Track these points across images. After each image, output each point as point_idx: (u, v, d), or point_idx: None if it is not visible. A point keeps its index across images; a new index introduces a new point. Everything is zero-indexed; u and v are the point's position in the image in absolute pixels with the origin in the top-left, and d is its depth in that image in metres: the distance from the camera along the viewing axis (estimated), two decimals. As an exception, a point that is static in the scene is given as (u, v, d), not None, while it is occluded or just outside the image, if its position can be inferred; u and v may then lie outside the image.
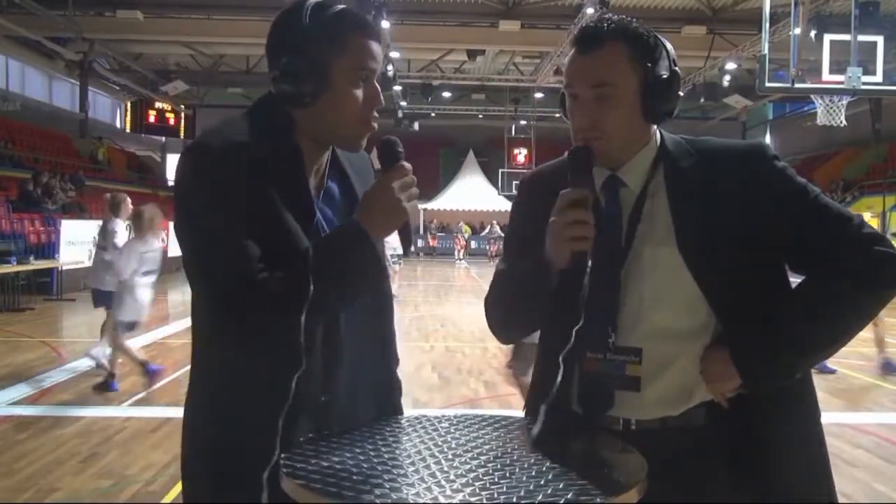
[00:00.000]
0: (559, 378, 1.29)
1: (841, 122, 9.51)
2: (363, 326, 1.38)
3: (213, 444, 1.28)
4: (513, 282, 1.41)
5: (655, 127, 1.40)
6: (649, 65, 1.31)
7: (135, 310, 5.66)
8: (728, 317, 1.32)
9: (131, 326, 5.73)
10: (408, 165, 1.26)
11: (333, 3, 1.30)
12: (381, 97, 1.34)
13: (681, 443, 1.33)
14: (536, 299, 1.34)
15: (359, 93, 1.30)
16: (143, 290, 5.71)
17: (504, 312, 1.46)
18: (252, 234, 1.19)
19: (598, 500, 1.00)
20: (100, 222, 7.94)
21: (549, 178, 1.48)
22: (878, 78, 7.26)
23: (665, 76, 1.32)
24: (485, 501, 1.00)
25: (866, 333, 9.65)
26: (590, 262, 1.28)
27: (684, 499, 1.30)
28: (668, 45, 1.35)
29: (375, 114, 1.33)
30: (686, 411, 1.35)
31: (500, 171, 27.74)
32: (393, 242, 12.63)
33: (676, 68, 1.34)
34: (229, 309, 1.21)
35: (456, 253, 25.67)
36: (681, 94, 1.35)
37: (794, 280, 1.38)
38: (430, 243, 27.77)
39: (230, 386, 1.27)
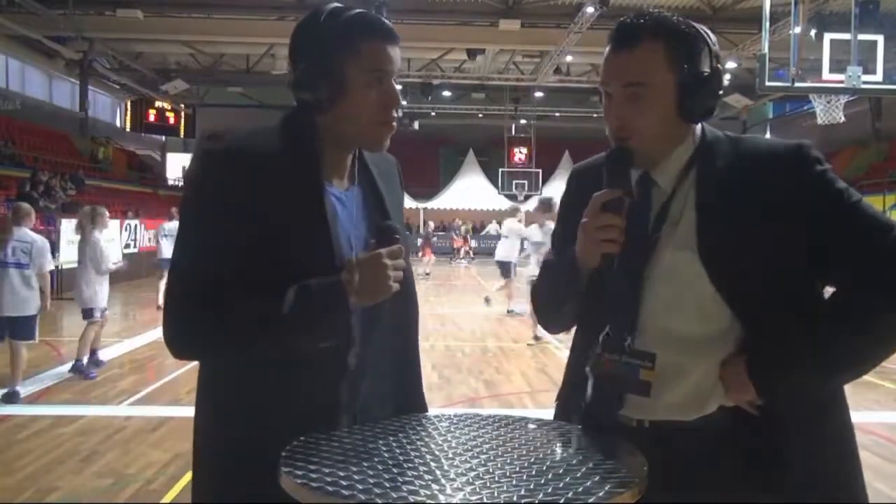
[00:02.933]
0: (590, 389, 1.31)
1: (840, 118, 9.49)
2: (387, 329, 1.40)
3: (246, 434, 1.28)
4: (550, 276, 1.44)
5: (697, 125, 1.35)
6: (687, 63, 1.26)
7: None
8: (753, 324, 1.26)
9: None
10: (402, 248, 1.30)
11: (348, 8, 1.32)
12: (399, 97, 1.37)
13: (696, 442, 1.28)
14: (567, 296, 1.37)
15: (374, 95, 1.32)
16: None
17: (544, 304, 1.49)
18: (234, 241, 1.23)
19: (599, 499, 1.00)
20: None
21: (598, 170, 1.39)
22: (878, 77, 7.23)
23: (704, 74, 1.27)
24: (485, 501, 0.99)
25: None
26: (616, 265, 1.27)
27: (696, 497, 1.26)
28: (713, 41, 1.30)
29: (396, 113, 1.36)
30: (700, 417, 1.29)
31: (500, 170, 27.69)
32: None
33: (719, 65, 1.29)
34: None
35: (456, 252, 25.51)
36: (721, 91, 1.30)
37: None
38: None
39: (266, 375, 1.28)
